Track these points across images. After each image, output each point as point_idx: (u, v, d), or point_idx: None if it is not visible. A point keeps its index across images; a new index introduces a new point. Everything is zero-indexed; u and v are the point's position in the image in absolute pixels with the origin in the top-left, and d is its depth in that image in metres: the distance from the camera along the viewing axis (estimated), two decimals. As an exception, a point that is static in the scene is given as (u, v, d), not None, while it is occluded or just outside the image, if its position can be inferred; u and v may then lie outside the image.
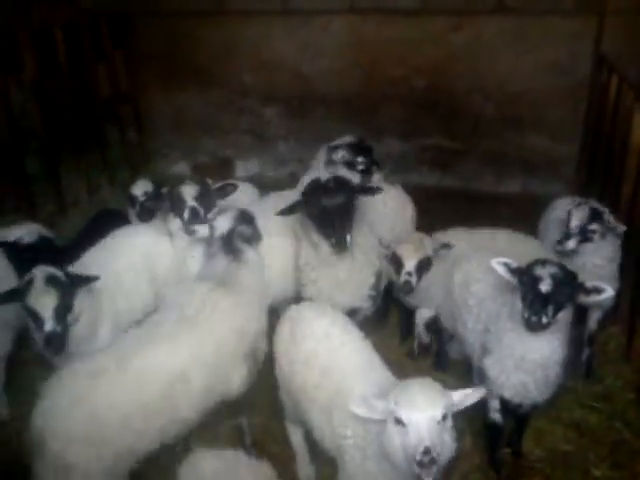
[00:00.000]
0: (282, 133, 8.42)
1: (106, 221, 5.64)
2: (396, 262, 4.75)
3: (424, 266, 4.73)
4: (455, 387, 4.97)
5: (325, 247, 4.29)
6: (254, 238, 4.36)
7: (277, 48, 7.93)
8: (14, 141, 6.70)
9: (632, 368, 5.06)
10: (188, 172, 8.73)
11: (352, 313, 4.43)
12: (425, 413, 2.81)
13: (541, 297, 3.50)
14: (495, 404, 4.15)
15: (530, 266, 3.62)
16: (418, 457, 2.73)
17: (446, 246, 4.75)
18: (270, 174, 8.46)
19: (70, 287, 3.89)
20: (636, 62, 6.55)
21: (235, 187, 4.94)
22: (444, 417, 2.85)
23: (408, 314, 5.36)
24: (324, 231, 4.22)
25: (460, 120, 7.68)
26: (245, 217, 4.43)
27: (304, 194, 4.34)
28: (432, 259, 4.76)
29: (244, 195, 5.72)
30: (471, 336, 4.25)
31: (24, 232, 5.00)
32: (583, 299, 3.62)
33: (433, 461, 2.73)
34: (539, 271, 3.55)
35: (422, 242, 4.82)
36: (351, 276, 4.51)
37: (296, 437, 4.26)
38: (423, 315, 5.15)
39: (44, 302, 3.75)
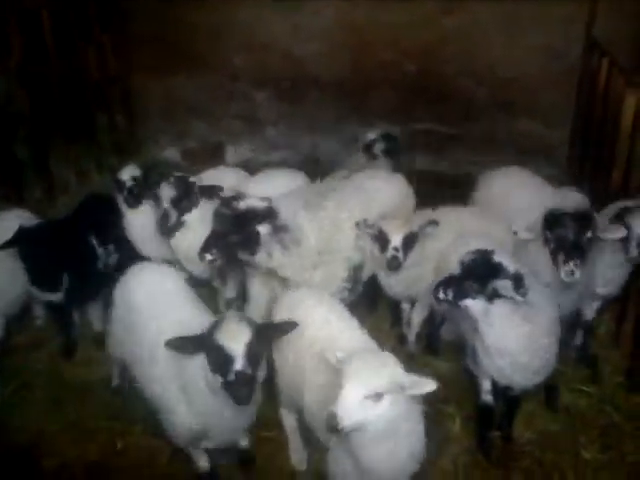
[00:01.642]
0: (273, 118, 8.36)
1: (94, 205, 5.61)
2: (382, 239, 4.62)
3: (410, 242, 4.61)
4: (447, 371, 5.06)
5: None
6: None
7: (269, 31, 7.84)
8: (1, 128, 6.61)
9: (621, 353, 5.10)
10: (178, 158, 8.65)
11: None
12: (351, 385, 2.92)
13: (449, 277, 3.76)
14: (487, 385, 4.20)
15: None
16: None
17: (432, 223, 4.67)
18: (261, 159, 8.40)
19: (263, 333, 3.43)
20: (627, 47, 6.55)
21: (222, 190, 4.88)
22: (376, 395, 2.91)
23: (396, 302, 5.37)
24: None
25: (451, 105, 7.64)
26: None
27: None
28: (417, 236, 4.65)
29: (235, 181, 5.71)
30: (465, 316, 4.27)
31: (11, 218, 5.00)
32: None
33: (336, 428, 2.87)
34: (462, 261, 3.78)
35: (408, 218, 4.78)
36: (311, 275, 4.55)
37: (290, 422, 4.29)
38: (419, 313, 5.15)
39: (236, 338, 3.25)
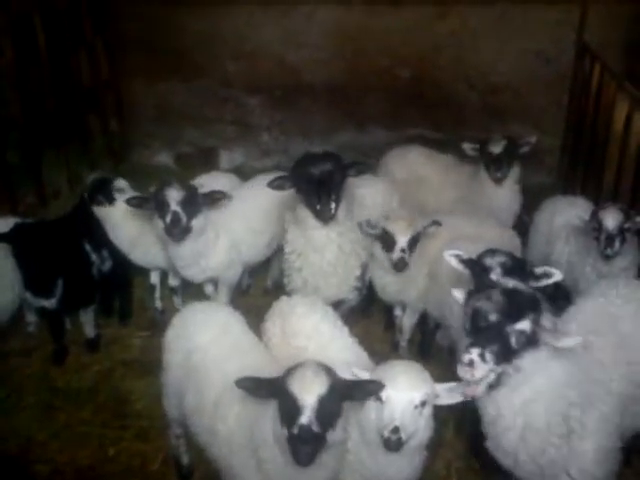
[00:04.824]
0: (266, 123, 8.36)
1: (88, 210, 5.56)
2: (387, 239, 4.57)
3: (414, 243, 4.57)
4: (439, 377, 5.05)
5: (311, 221, 4.28)
6: None
7: (261, 37, 7.86)
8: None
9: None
10: (171, 163, 8.65)
11: (337, 304, 4.43)
12: (403, 394, 2.88)
13: (492, 286, 3.56)
14: (475, 389, 4.17)
15: (480, 257, 3.78)
16: (386, 434, 2.81)
17: (435, 223, 4.62)
18: (255, 165, 8.40)
19: (342, 389, 2.94)
20: (618, 51, 6.60)
21: (224, 196, 4.81)
22: (422, 403, 2.90)
23: (389, 306, 5.37)
24: (310, 200, 4.19)
25: (444, 110, 7.68)
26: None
27: (294, 165, 4.35)
28: (420, 236, 4.62)
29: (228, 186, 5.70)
30: (456, 322, 4.26)
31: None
32: (534, 284, 3.62)
33: (400, 441, 2.79)
34: (489, 261, 3.71)
35: (413, 219, 4.73)
36: (337, 266, 4.50)
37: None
38: (410, 319, 5.15)
39: (308, 388, 2.82)
